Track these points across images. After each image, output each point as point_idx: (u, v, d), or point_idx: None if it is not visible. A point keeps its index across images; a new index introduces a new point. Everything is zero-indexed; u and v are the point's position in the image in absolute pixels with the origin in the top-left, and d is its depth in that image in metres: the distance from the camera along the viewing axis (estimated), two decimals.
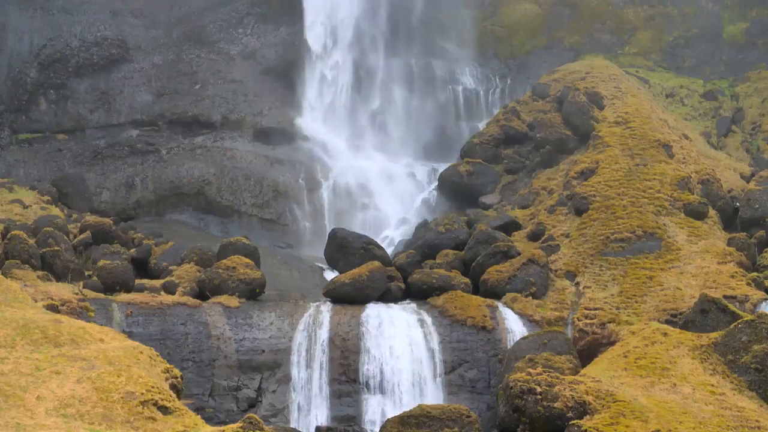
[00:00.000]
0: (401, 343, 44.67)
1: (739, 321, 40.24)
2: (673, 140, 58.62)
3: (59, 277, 45.85)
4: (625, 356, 40.31)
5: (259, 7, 70.84)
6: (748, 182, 58.31)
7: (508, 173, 62.12)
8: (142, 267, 50.30)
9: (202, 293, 46.87)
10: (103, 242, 51.34)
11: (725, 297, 45.02)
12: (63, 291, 43.57)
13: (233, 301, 45.80)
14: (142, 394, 31.66)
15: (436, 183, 64.15)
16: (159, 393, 32.06)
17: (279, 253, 59.75)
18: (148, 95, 68.12)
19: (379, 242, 53.54)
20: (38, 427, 29.17)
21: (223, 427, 31.94)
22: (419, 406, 38.22)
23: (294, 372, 44.19)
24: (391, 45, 73.88)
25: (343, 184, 66.21)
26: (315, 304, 46.63)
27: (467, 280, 48.97)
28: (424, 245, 52.92)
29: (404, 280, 49.22)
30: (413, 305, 47.26)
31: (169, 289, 46.34)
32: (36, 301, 40.99)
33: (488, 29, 77.54)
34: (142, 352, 35.00)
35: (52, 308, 40.67)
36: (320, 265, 57.22)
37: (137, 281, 46.91)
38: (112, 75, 68.23)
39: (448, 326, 45.61)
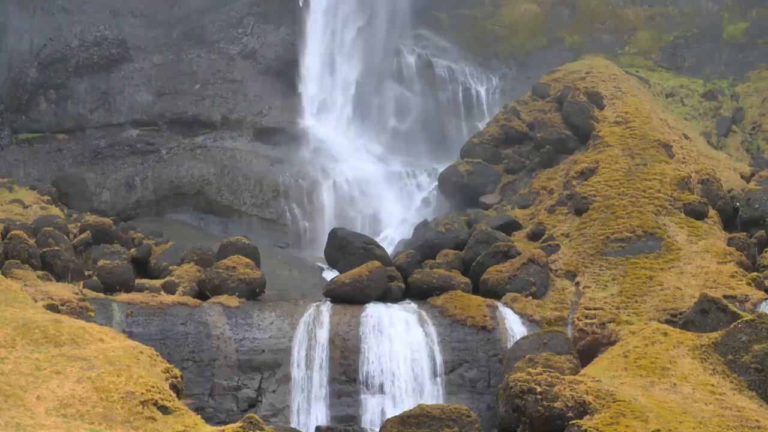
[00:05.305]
0: (401, 343, 44.67)
1: (739, 321, 40.24)
2: (673, 140, 58.62)
3: (59, 277, 45.84)
4: (625, 356, 40.31)
5: (259, 7, 70.87)
6: (748, 182, 58.26)
7: (508, 173, 62.10)
8: (142, 267, 50.31)
9: (202, 293, 46.87)
10: (103, 242, 51.33)
11: (725, 297, 45.01)
12: (63, 291, 43.56)
13: (233, 301, 45.80)
14: (142, 393, 31.66)
15: (436, 183, 64.15)
16: (159, 393, 32.06)
17: (279, 253, 59.78)
18: (148, 95, 68.15)
19: (379, 242, 53.53)
20: (38, 427, 29.17)
21: (223, 427, 31.94)
22: (419, 406, 38.19)
23: (294, 372, 44.19)
24: (391, 44, 73.90)
25: (343, 184, 66.25)
26: (315, 303, 46.63)
27: (467, 279, 48.96)
28: (424, 245, 52.92)
29: (404, 279, 49.21)
30: (413, 305, 47.25)
31: (169, 289, 46.34)
32: (36, 301, 41.00)
33: (488, 29, 77.61)
34: (142, 352, 35.00)
35: (52, 308, 40.66)
36: (320, 265, 57.25)
37: (137, 281, 46.89)
38: (112, 75, 68.27)
39: (448, 326, 45.62)
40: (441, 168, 64.75)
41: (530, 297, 47.71)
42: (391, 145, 70.51)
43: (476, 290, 48.90)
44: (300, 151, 67.53)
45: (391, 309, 46.29)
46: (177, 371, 35.75)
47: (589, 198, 53.49)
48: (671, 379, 38.38)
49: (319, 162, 67.13)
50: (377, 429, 41.18)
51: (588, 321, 46.06)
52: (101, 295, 44.53)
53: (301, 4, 71.46)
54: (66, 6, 69.18)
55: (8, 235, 46.56)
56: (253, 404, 43.50)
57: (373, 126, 71.31)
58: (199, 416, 33.11)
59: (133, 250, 51.41)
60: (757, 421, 36.07)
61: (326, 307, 46.11)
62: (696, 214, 52.31)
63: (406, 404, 42.32)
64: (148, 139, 66.53)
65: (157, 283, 47.08)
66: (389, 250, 55.15)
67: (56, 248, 47.09)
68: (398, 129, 71.40)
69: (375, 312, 45.81)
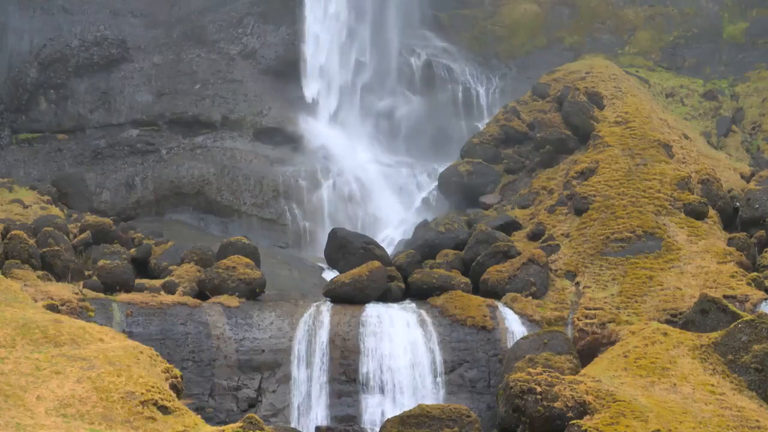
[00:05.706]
0: (401, 343, 44.67)
1: (739, 321, 40.23)
2: (673, 140, 58.62)
3: (59, 277, 45.84)
4: (625, 356, 40.31)
5: (259, 7, 70.88)
6: (748, 182, 58.25)
7: (508, 173, 62.10)
8: (142, 267, 50.31)
9: (202, 293, 46.86)
10: (103, 242, 51.33)
11: (725, 297, 45.00)
12: (63, 291, 43.56)
13: (233, 301, 45.80)
14: (142, 393, 31.65)
15: (436, 183, 64.15)
16: (159, 393, 32.06)
17: (279, 253, 59.78)
18: (148, 95, 68.16)
19: (379, 242, 53.54)
20: (38, 427, 29.17)
21: (223, 427, 31.94)
22: (419, 406, 38.19)
23: (294, 372, 44.19)
24: (390, 44, 73.88)
25: (343, 184, 66.24)
26: (315, 303, 46.63)
27: (467, 279, 48.96)
28: (424, 245, 52.92)
29: (404, 279, 49.21)
30: (413, 305, 47.25)
31: (169, 289, 46.34)
32: (36, 301, 41.00)
33: (488, 29, 77.63)
34: (142, 352, 34.99)
35: (52, 308, 40.66)
36: (320, 265, 57.24)
37: (137, 281, 46.89)
38: (112, 75, 68.28)
39: (448, 326, 45.61)
40: (441, 168, 64.73)
41: (530, 297, 47.71)
42: (391, 145, 70.48)
43: (476, 290, 48.90)
44: (300, 150, 67.52)
45: (391, 309, 46.28)
46: (177, 371, 35.74)
47: (589, 198, 53.49)
48: (671, 379, 38.38)
49: (319, 162, 67.12)
50: (377, 429, 41.18)
51: (588, 321, 46.06)
52: (101, 295, 44.53)
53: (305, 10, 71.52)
54: (66, 6, 69.20)
55: (8, 235, 46.56)
56: (253, 404, 43.49)
57: (373, 126, 71.29)
58: (199, 416, 33.09)
59: (133, 250, 51.41)
60: (757, 421, 36.07)
61: (326, 307, 46.11)
62: (696, 214, 52.31)
63: (406, 404, 42.29)
64: (148, 139, 66.53)
65: (157, 283, 47.09)
66: (389, 250, 55.15)
67: (56, 248, 47.09)
68: (398, 129, 71.36)
69: (375, 312, 45.81)
